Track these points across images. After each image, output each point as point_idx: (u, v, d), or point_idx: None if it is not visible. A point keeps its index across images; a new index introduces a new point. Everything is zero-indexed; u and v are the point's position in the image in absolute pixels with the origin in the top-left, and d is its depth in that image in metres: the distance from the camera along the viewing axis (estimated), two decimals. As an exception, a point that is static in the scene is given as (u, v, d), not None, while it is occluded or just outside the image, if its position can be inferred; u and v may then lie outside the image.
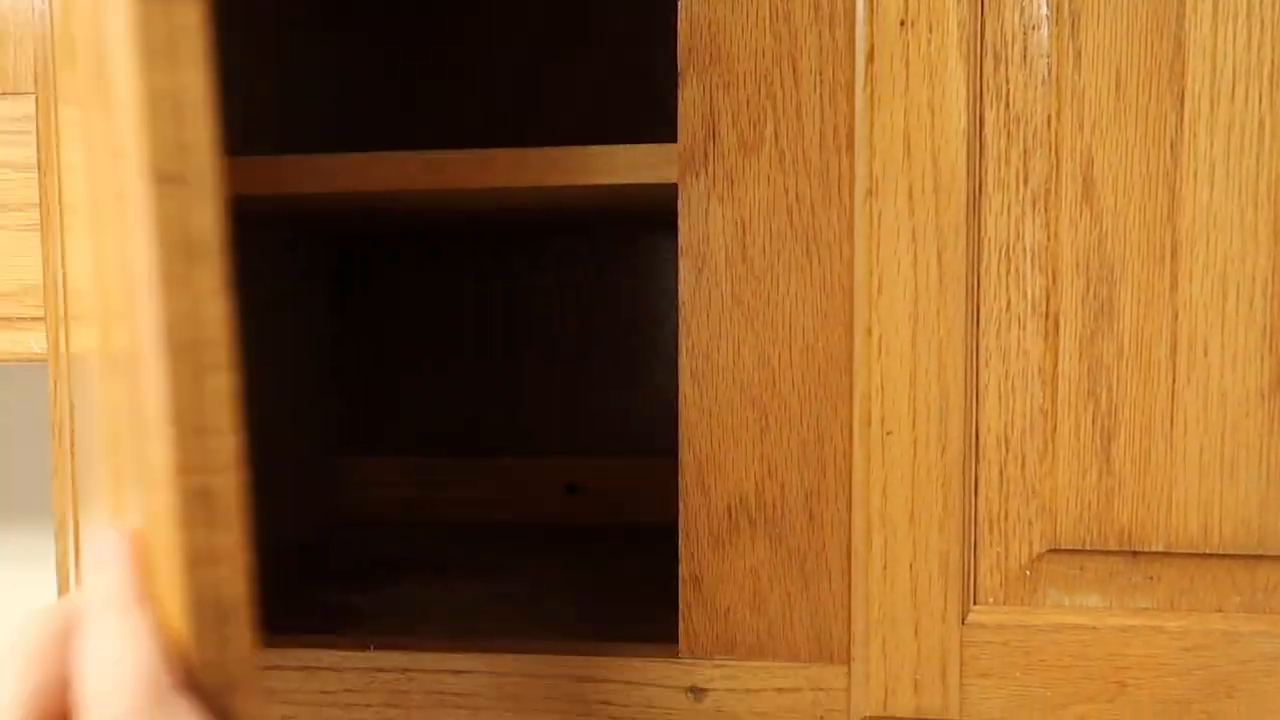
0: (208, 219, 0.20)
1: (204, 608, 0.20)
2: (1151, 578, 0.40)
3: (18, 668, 0.23)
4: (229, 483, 0.20)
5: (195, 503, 0.20)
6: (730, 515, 0.44)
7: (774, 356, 0.43)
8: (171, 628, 0.21)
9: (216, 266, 0.20)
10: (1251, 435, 0.39)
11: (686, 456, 0.44)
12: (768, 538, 0.44)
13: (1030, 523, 0.41)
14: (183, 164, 0.20)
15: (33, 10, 0.48)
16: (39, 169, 0.49)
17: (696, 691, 0.44)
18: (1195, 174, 0.39)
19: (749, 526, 0.44)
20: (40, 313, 0.49)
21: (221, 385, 0.20)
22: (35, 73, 0.49)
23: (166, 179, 0.19)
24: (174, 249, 0.19)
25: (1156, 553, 0.40)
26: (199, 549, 0.20)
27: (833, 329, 0.43)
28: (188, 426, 0.20)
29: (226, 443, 0.20)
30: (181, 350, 0.20)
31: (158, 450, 0.20)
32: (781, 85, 0.43)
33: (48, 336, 0.48)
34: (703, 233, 0.43)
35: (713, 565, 0.44)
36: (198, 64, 0.20)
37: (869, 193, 0.41)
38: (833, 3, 0.42)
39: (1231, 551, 0.39)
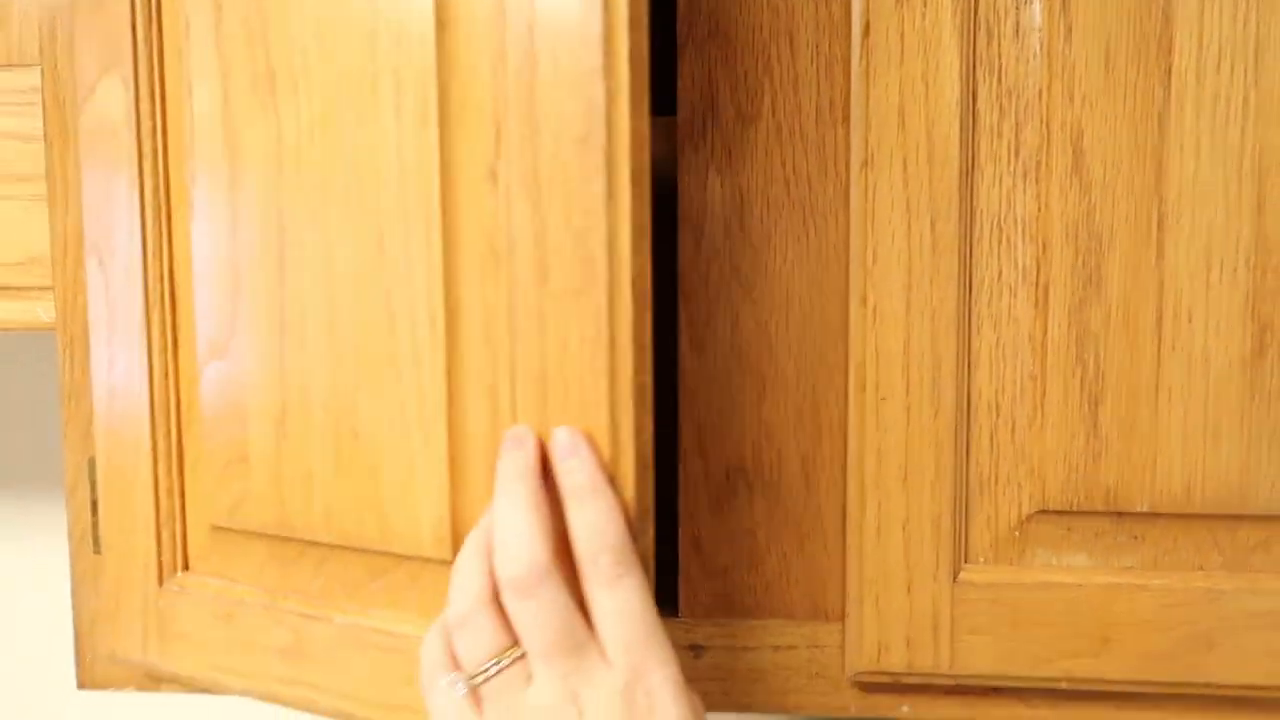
0: None
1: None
2: (1136, 537, 0.42)
3: (536, 519, 0.33)
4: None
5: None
6: (729, 479, 0.45)
7: (771, 325, 0.44)
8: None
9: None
10: (1233, 400, 0.40)
11: (686, 423, 0.45)
12: (765, 500, 0.45)
13: (1020, 485, 0.42)
14: None
15: (38, -18, 0.48)
16: (45, 140, 0.49)
17: (696, 649, 0.45)
18: (1181, 147, 0.40)
19: (746, 490, 0.45)
20: (48, 282, 0.50)
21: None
22: (40, 44, 0.49)
23: None
24: None
25: (1141, 513, 0.41)
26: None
27: (829, 298, 0.44)
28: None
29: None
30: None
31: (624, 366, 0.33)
32: (779, 59, 0.43)
33: (56, 305, 0.49)
34: (701, 204, 0.44)
35: (711, 527, 0.45)
36: None
37: (864, 164, 0.42)
38: (830, -23, 0.42)
39: (1213, 512, 0.41)
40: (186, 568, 0.45)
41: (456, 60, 0.36)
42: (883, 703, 0.45)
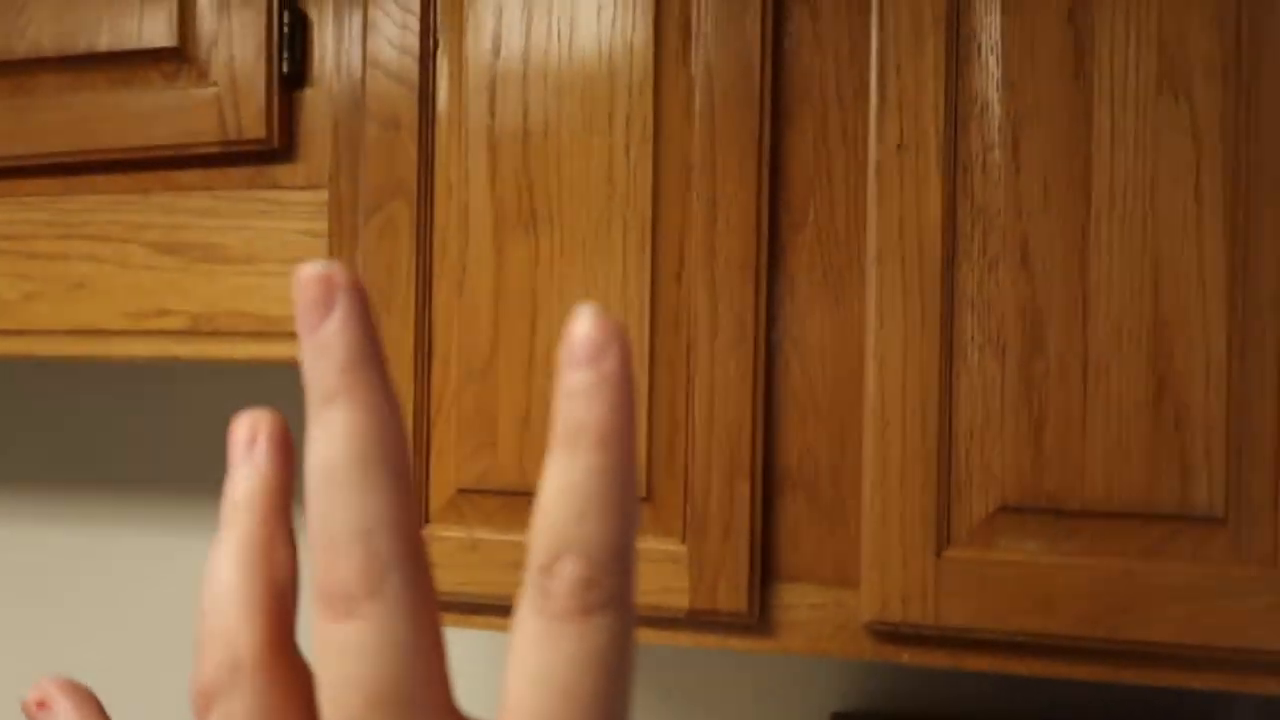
0: None
1: None
2: (1072, 529, 0.57)
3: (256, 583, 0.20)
4: None
5: None
6: (779, 481, 0.63)
7: (813, 371, 0.63)
8: None
9: None
10: (1141, 429, 0.55)
11: (755, 440, 0.63)
12: (805, 497, 0.63)
13: (987, 489, 0.58)
14: None
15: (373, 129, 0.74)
16: (329, 236, 0.74)
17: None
18: (1099, 249, 0.56)
19: (791, 489, 0.63)
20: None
21: None
22: (329, 174, 0.75)
23: None
24: None
25: (1075, 511, 0.57)
26: None
27: (851, 353, 0.62)
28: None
29: None
30: None
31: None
32: (820, 186, 0.63)
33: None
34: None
35: (766, 517, 0.63)
36: None
37: (876, 259, 0.60)
38: (855, 131, 0.62)
39: (1129, 511, 0.56)
40: (428, 520, 0.67)
41: (663, 215, 0.59)
42: (888, 650, 0.61)
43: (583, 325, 0.18)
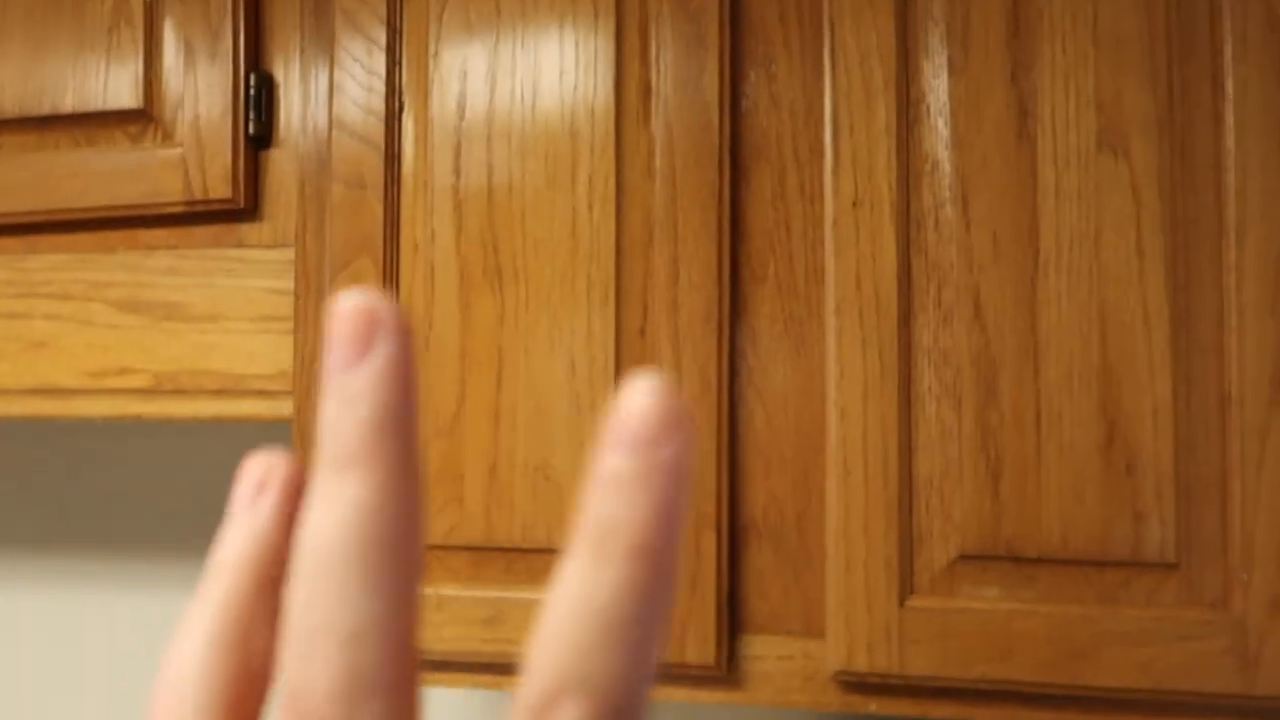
0: None
1: None
2: (1030, 576, 0.58)
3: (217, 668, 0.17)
4: None
5: None
6: (745, 531, 0.63)
7: (776, 421, 0.63)
8: None
9: None
10: (1094, 475, 0.57)
11: (719, 489, 0.64)
12: (771, 547, 0.63)
13: (947, 537, 0.59)
14: None
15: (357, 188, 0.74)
16: (295, 294, 0.75)
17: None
18: (1047, 300, 0.58)
19: (757, 539, 0.63)
20: (290, 388, 0.74)
21: None
22: (296, 233, 0.75)
23: None
24: None
25: (1032, 559, 0.58)
26: None
27: (814, 403, 0.63)
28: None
29: None
30: None
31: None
32: (779, 240, 0.64)
33: (294, 403, 0.73)
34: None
35: (732, 568, 0.63)
36: None
37: (835, 311, 0.62)
38: (811, 187, 0.63)
39: (1084, 558, 0.57)
40: None
41: (626, 270, 0.60)
42: (856, 701, 0.61)
43: (641, 398, 0.15)
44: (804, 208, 0.64)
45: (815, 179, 0.64)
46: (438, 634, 0.65)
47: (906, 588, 0.60)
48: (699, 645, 0.62)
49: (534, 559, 0.64)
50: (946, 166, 0.61)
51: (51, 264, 0.80)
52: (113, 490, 1.12)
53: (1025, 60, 0.60)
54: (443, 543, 0.66)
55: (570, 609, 0.14)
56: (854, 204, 0.62)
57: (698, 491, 0.62)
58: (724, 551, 0.63)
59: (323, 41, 0.74)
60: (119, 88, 0.78)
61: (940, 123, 0.61)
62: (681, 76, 0.65)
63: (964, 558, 0.59)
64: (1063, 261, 0.58)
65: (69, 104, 0.79)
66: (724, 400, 0.63)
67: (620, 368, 0.64)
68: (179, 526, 1.09)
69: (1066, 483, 0.57)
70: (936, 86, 0.61)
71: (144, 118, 0.78)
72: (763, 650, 0.63)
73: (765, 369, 0.64)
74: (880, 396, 0.60)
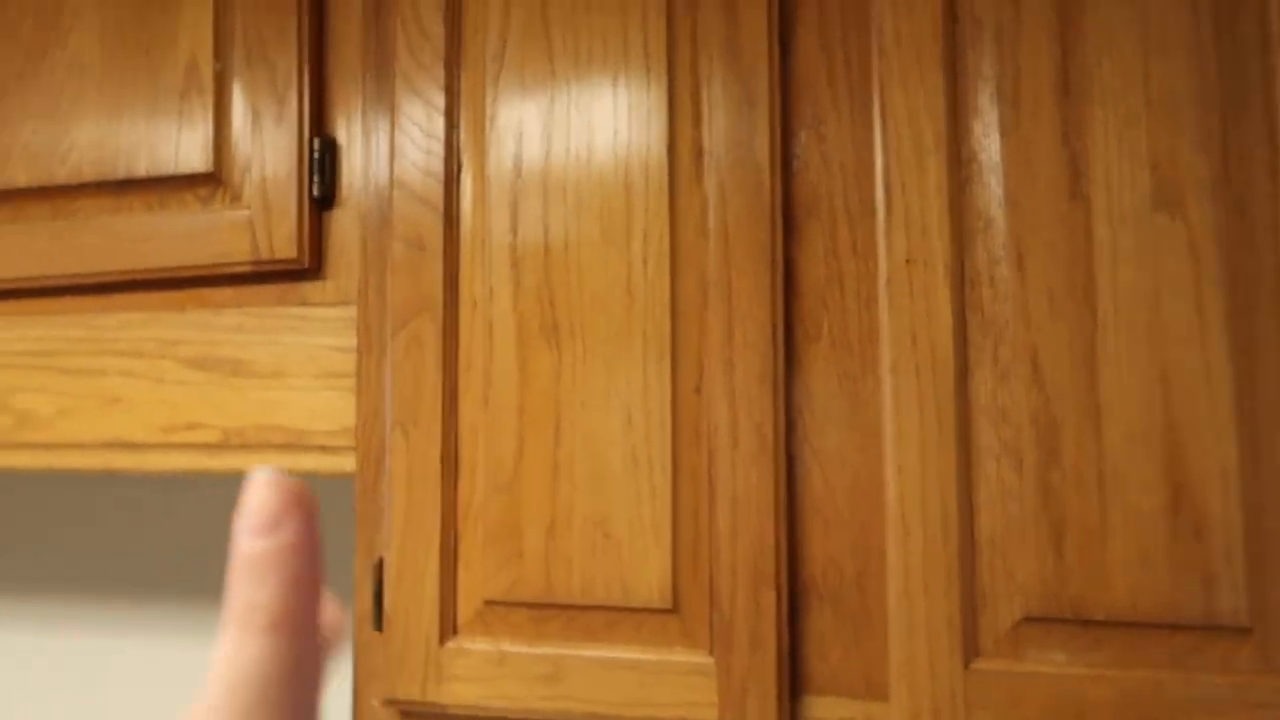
0: None
1: None
2: (1098, 640, 0.57)
3: None
4: None
5: None
6: (804, 591, 0.63)
7: (833, 480, 0.64)
8: None
9: None
10: (1161, 537, 0.56)
11: (778, 551, 0.64)
12: (831, 607, 0.63)
13: (1011, 598, 0.59)
14: None
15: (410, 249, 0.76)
16: (358, 351, 0.77)
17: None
18: (1107, 360, 0.58)
19: (818, 600, 0.63)
20: (353, 444, 0.76)
21: None
22: (358, 291, 0.77)
23: None
24: None
25: (1099, 621, 0.57)
26: None
27: (871, 462, 0.63)
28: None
29: None
30: None
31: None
32: (832, 298, 0.65)
33: (358, 460, 0.75)
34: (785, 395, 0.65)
35: (792, 629, 0.63)
36: None
37: (891, 369, 0.62)
38: (864, 245, 0.64)
39: (1154, 621, 0.56)
40: (455, 633, 0.67)
41: (681, 328, 0.61)
42: (920, 763, 0.60)
43: (259, 490, 0.17)
44: (857, 265, 0.64)
45: (867, 237, 0.64)
46: (499, 690, 0.66)
47: (971, 650, 0.59)
48: (760, 706, 0.62)
49: (593, 615, 0.65)
50: (1000, 224, 0.61)
51: (124, 322, 0.84)
52: (177, 539, 1.14)
53: (1076, 119, 0.60)
54: (503, 599, 0.67)
55: (225, 682, 0.16)
56: (907, 261, 0.62)
57: (756, 550, 0.63)
58: (783, 612, 0.63)
59: (383, 105, 0.76)
60: (190, 152, 0.81)
61: (993, 181, 0.61)
62: (733, 137, 0.66)
63: (1029, 619, 0.58)
64: (1121, 320, 0.58)
65: (143, 168, 0.82)
66: (780, 459, 0.64)
67: (677, 426, 0.64)
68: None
69: (1132, 544, 0.56)
70: (988, 145, 0.61)
71: (213, 180, 0.81)
72: (824, 712, 0.62)
73: (821, 427, 0.64)
74: (939, 455, 0.60)
